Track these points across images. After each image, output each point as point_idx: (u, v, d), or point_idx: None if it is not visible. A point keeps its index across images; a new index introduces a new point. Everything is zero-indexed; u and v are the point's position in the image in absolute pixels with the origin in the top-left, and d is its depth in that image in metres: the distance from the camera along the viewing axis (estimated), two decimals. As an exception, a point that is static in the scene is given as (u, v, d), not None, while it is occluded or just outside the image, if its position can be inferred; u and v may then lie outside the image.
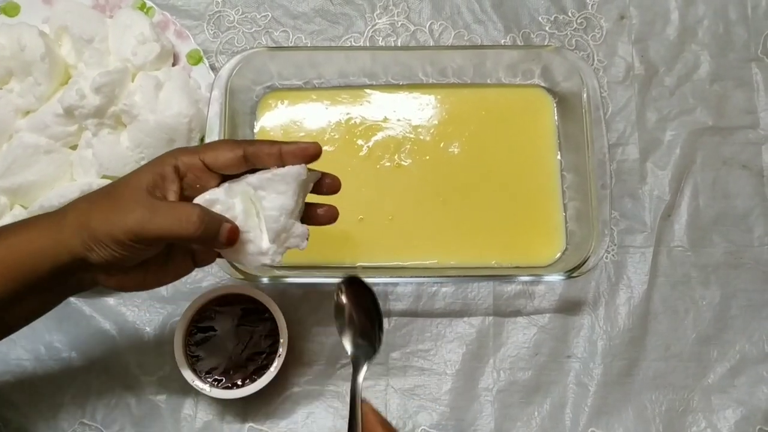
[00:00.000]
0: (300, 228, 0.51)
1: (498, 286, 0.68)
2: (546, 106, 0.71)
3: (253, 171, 0.50)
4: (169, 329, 0.66)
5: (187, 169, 0.48)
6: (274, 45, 0.74)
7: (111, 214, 0.45)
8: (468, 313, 0.68)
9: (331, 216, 0.54)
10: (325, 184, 0.53)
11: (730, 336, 0.67)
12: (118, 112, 0.66)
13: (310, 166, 0.50)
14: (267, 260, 0.50)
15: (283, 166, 0.49)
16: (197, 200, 0.48)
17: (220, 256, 0.52)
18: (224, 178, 0.50)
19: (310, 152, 0.49)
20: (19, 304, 0.48)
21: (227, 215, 0.48)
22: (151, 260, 0.49)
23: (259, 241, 0.50)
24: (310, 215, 0.53)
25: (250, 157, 0.49)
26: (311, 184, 0.52)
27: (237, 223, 0.48)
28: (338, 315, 0.52)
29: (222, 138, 0.63)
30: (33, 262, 0.46)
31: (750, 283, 0.69)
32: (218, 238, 0.47)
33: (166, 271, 0.51)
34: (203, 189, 0.49)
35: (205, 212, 0.46)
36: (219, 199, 0.48)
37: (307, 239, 0.51)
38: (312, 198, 0.53)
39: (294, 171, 0.49)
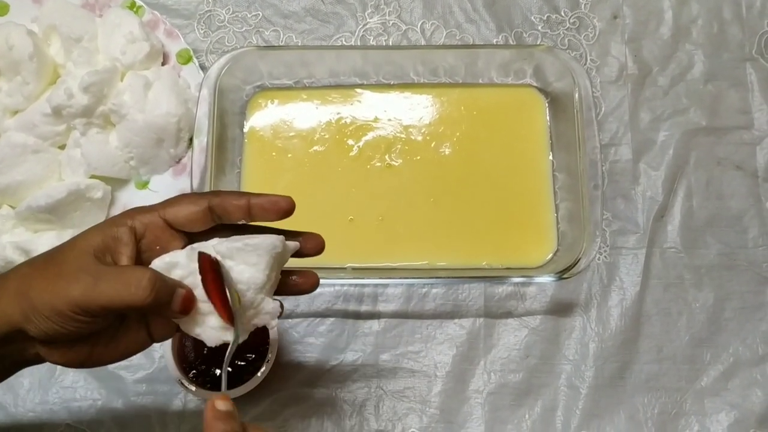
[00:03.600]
0: (270, 304, 0.44)
1: (489, 287, 0.67)
2: (538, 106, 0.70)
3: (220, 229, 0.45)
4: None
5: (146, 229, 0.43)
6: (265, 44, 0.74)
7: (53, 283, 0.40)
8: (458, 314, 0.67)
9: (311, 284, 0.47)
10: (308, 248, 0.46)
11: (724, 338, 0.67)
12: (106, 111, 0.66)
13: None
14: (229, 338, 0.43)
15: (252, 220, 0.44)
16: (154, 263, 0.42)
17: (180, 329, 0.44)
18: (190, 239, 0.45)
19: (281, 207, 0.44)
20: None
21: (186, 282, 0.42)
22: (101, 333, 0.42)
23: None
24: (284, 284, 0.46)
25: (216, 209, 0.44)
26: (288, 256, 0.45)
27: (197, 292, 0.42)
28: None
29: (210, 138, 0.63)
30: None
31: (744, 284, 0.68)
32: (171, 306, 0.41)
33: (117, 346, 0.44)
34: (164, 251, 0.43)
35: (157, 276, 0.40)
36: (180, 263, 0.42)
37: (279, 316, 0.45)
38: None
39: (268, 242, 0.43)
